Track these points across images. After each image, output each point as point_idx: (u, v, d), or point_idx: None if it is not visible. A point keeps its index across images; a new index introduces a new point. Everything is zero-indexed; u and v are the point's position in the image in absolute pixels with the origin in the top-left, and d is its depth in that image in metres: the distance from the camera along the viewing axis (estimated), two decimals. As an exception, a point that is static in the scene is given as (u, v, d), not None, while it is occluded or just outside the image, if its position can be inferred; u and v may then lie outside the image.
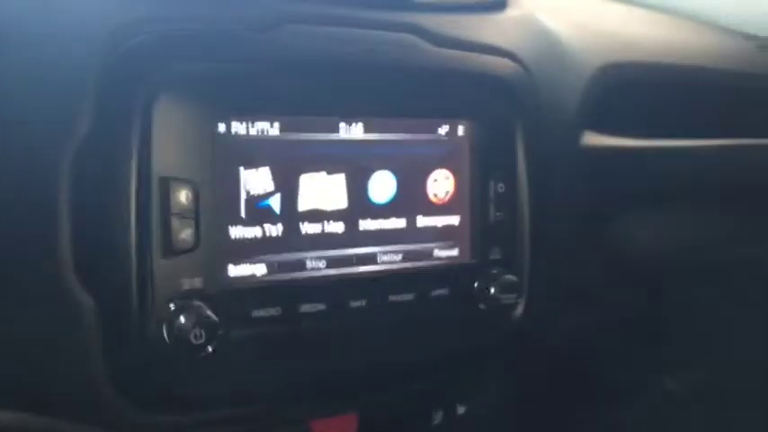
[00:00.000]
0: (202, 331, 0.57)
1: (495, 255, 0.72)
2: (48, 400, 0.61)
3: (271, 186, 0.61)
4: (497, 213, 0.72)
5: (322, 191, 0.64)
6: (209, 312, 0.58)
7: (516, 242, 0.73)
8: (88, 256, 0.57)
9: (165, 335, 0.57)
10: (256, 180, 0.61)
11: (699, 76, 0.98)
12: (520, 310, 0.73)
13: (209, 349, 0.58)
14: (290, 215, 0.62)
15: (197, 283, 0.58)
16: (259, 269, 0.62)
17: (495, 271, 0.71)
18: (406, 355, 0.70)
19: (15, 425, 0.62)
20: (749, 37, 1.14)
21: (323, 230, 0.64)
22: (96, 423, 0.62)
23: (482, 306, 0.71)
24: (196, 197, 0.58)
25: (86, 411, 0.61)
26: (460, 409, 0.79)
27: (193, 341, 0.57)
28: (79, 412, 0.62)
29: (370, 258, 0.66)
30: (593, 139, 0.84)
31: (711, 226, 1.00)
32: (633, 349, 1.07)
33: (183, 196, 0.57)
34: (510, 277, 0.71)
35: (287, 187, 0.62)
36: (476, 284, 0.71)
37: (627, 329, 1.01)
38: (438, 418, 0.77)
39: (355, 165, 0.65)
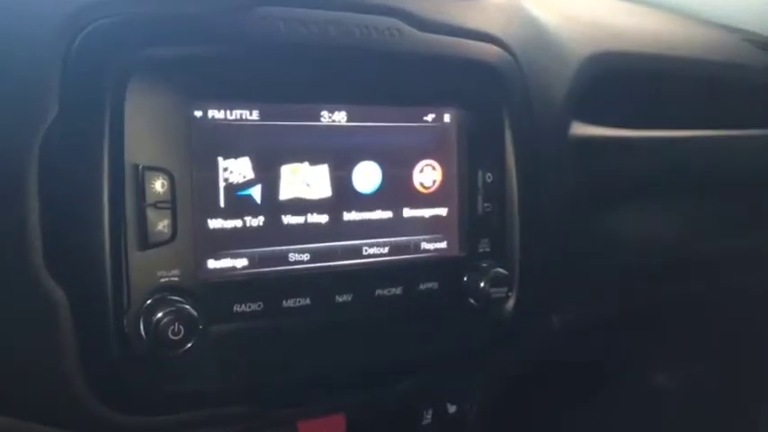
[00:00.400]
0: (181, 327, 0.54)
1: (485, 247, 0.70)
2: (21, 402, 0.58)
3: (251, 175, 0.59)
4: (486, 204, 0.70)
5: (305, 181, 0.61)
6: (187, 307, 0.55)
7: (506, 234, 0.71)
8: (60, 250, 0.54)
9: (143, 331, 0.55)
10: (236, 168, 0.58)
11: (685, 67, 0.97)
12: (510, 304, 0.71)
13: (188, 345, 0.55)
14: (272, 206, 0.60)
15: (174, 276, 0.56)
16: (239, 262, 0.59)
17: (484, 264, 0.69)
18: (395, 352, 0.67)
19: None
20: (734, 30, 1.14)
21: (306, 222, 0.62)
22: (73, 425, 0.59)
23: (472, 300, 0.69)
24: (172, 186, 0.55)
25: (61, 413, 0.58)
26: (451, 409, 0.76)
27: (171, 337, 0.54)
28: (54, 414, 0.59)
29: (356, 251, 0.64)
30: (581, 129, 0.82)
31: (700, 218, 0.99)
32: (626, 345, 1.05)
33: (159, 185, 0.55)
34: (500, 270, 0.69)
35: (268, 176, 0.60)
36: (465, 278, 0.69)
37: (620, 325, 0.99)
38: (428, 417, 0.75)
39: (339, 154, 0.63)
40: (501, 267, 0.69)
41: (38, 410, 0.59)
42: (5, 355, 0.56)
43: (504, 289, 0.68)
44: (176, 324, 0.54)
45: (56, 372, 0.56)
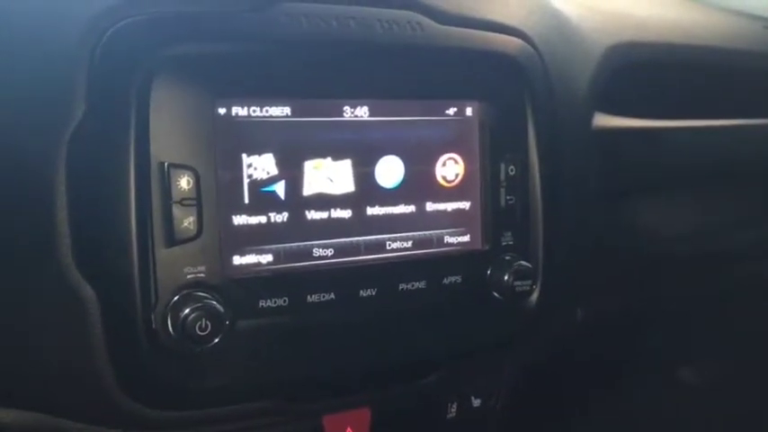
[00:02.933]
0: (208, 322, 0.55)
1: (508, 240, 0.70)
2: (52, 398, 0.59)
3: (275, 171, 0.59)
4: (509, 197, 0.69)
5: (328, 176, 0.62)
6: (214, 303, 0.55)
7: (529, 227, 0.71)
8: (88, 247, 0.55)
9: (170, 327, 0.55)
10: (259, 165, 0.59)
11: (708, 56, 0.96)
12: (535, 297, 0.70)
13: (215, 341, 0.55)
14: (296, 201, 0.60)
15: (201, 272, 0.56)
16: (264, 258, 0.59)
17: (508, 257, 0.69)
18: (419, 346, 0.67)
19: (19, 424, 0.60)
20: (756, 18, 1.13)
21: (329, 217, 0.62)
22: (102, 420, 0.60)
23: (496, 294, 0.68)
24: (197, 183, 0.56)
25: (91, 408, 0.59)
26: (475, 402, 0.76)
27: (199, 333, 0.55)
28: (84, 409, 0.60)
29: (379, 246, 0.64)
30: (604, 120, 0.82)
31: (725, 208, 0.98)
32: (649, 339, 1.05)
33: (185, 182, 0.55)
34: (524, 264, 0.68)
35: (291, 173, 0.60)
36: (489, 272, 0.69)
37: (643, 318, 0.98)
38: (452, 411, 0.75)
39: (361, 149, 0.63)
40: (524, 260, 0.69)
41: (67, 406, 0.60)
42: (36, 351, 0.57)
43: (528, 282, 0.68)
44: (203, 320, 0.55)
45: (85, 367, 0.57)
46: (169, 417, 0.60)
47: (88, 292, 0.55)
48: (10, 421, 0.60)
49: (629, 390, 1.07)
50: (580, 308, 0.84)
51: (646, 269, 0.89)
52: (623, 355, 1.03)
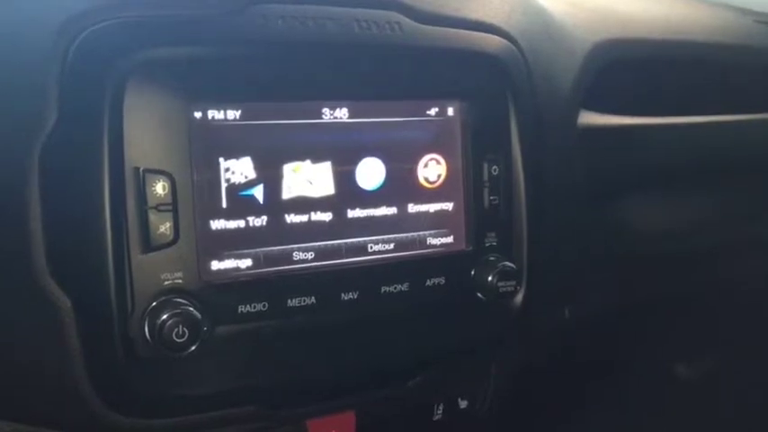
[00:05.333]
0: (185, 329, 0.54)
1: (492, 241, 0.69)
2: (29, 408, 0.59)
3: (253, 175, 0.59)
4: (492, 198, 0.69)
5: (307, 179, 0.61)
6: (191, 309, 0.55)
7: (513, 227, 0.70)
8: (63, 255, 0.54)
9: (147, 334, 0.55)
10: (237, 169, 0.58)
11: (696, 52, 0.95)
12: (519, 298, 0.70)
13: (193, 348, 0.55)
14: (275, 205, 0.60)
15: (178, 278, 0.56)
16: (243, 262, 0.59)
17: (492, 258, 0.68)
18: (403, 349, 0.67)
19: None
20: (746, 12, 1.12)
21: (309, 220, 0.61)
22: (78, 429, 0.60)
23: (480, 295, 0.68)
24: (173, 188, 0.55)
25: (67, 417, 0.58)
26: (462, 404, 0.76)
27: (176, 340, 0.54)
28: (60, 418, 0.59)
29: (361, 248, 0.64)
30: (589, 118, 0.81)
31: (713, 205, 0.97)
32: (640, 336, 1.04)
33: (160, 188, 0.55)
34: (508, 264, 0.68)
35: (270, 176, 0.59)
36: (473, 272, 0.68)
37: (632, 316, 0.98)
38: (439, 413, 0.74)
39: (341, 151, 0.62)
40: (509, 261, 0.68)
41: (44, 415, 0.59)
42: (11, 359, 0.56)
43: (513, 282, 0.67)
44: (180, 327, 0.54)
45: (62, 376, 0.56)
46: (147, 425, 0.59)
47: (63, 300, 0.54)
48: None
49: (620, 390, 1.06)
50: (567, 307, 0.84)
51: (633, 268, 0.88)
52: (613, 356, 1.02)
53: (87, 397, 0.56)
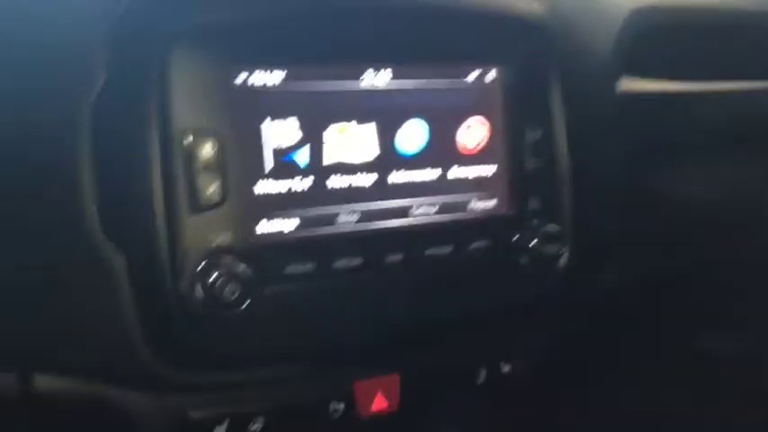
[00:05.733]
0: (236, 287, 0.55)
1: (535, 205, 0.69)
2: (82, 362, 0.60)
3: (296, 139, 0.59)
4: (535, 161, 0.69)
5: (350, 142, 0.62)
6: (242, 268, 0.56)
7: (556, 191, 0.70)
8: (115, 215, 0.56)
9: (198, 292, 0.56)
10: (281, 132, 0.59)
11: (737, 17, 0.94)
12: (563, 261, 0.70)
13: (244, 306, 0.56)
14: (318, 167, 0.60)
15: (227, 238, 0.57)
16: (289, 224, 0.60)
17: (535, 222, 0.68)
18: (447, 311, 0.67)
19: (52, 389, 0.61)
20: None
21: (353, 183, 0.62)
22: (132, 383, 0.61)
23: (523, 259, 0.68)
24: (221, 150, 0.56)
25: (122, 372, 0.60)
26: (505, 368, 0.76)
27: (227, 298, 0.55)
28: (115, 373, 0.61)
29: (403, 211, 0.64)
30: (630, 84, 0.80)
31: (757, 174, 0.96)
32: (679, 307, 1.03)
33: (208, 150, 0.56)
34: (552, 227, 0.68)
35: (314, 139, 0.60)
36: (516, 236, 0.68)
37: (673, 285, 0.97)
38: (482, 376, 0.75)
39: (384, 114, 0.63)
40: (552, 224, 0.68)
41: (99, 370, 0.61)
42: (67, 316, 0.58)
43: (557, 245, 0.68)
44: (231, 285, 0.55)
45: (116, 333, 0.58)
46: (199, 380, 0.61)
47: (117, 258, 0.56)
48: (43, 386, 0.62)
49: (656, 358, 1.06)
50: (610, 273, 0.83)
51: (676, 233, 0.88)
52: (656, 324, 1.01)
53: (140, 352, 0.58)
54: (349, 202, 0.62)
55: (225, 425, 0.64)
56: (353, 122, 0.61)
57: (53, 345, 0.59)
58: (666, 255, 0.88)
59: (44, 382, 0.61)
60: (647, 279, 0.88)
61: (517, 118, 0.68)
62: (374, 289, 0.63)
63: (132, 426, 0.63)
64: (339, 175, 0.61)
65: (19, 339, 0.60)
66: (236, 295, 0.55)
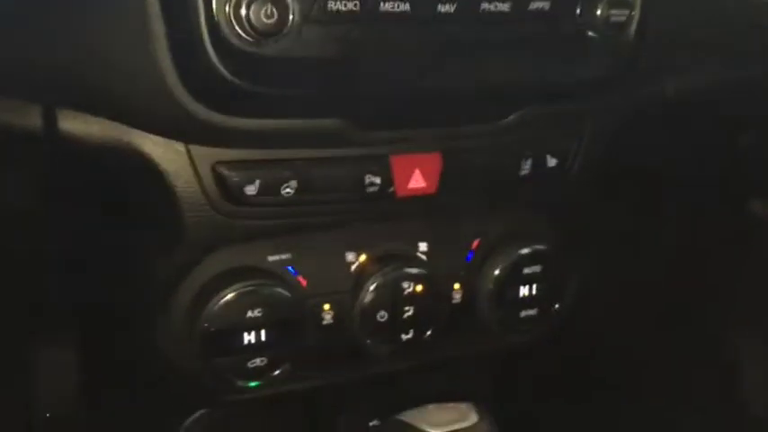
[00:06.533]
0: (274, 9, 0.50)
1: None
2: (110, 101, 0.57)
3: None
4: None
5: None
6: None
7: None
8: None
9: (233, 17, 0.51)
10: None
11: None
12: (632, 30, 0.63)
13: (282, 34, 0.51)
14: None
15: None
16: None
17: None
18: (498, 80, 0.62)
19: (76, 130, 0.58)
20: None
21: None
22: (163, 129, 0.58)
23: (589, 30, 0.62)
24: None
25: (152, 113, 0.57)
26: (551, 162, 0.71)
27: (264, 21, 0.50)
28: (144, 115, 0.57)
29: None
30: None
31: None
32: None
33: None
34: None
35: None
36: (580, 6, 0.62)
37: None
38: (526, 168, 0.70)
39: None
40: None
41: (132, 110, 0.58)
42: (93, 46, 0.54)
43: (625, 11, 0.61)
44: (269, 6, 0.50)
45: (145, 66, 0.54)
46: (233, 123, 0.57)
47: None
48: (77, 130, 0.58)
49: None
50: (671, 83, 0.77)
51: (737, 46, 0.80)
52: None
53: (171, 88, 0.54)
54: None
55: (256, 184, 0.61)
56: None
57: (79, 77, 0.56)
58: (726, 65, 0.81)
59: (69, 121, 0.58)
60: (707, 93, 0.81)
61: None
62: (421, 41, 0.57)
63: (160, 179, 0.60)
64: None
65: (43, 70, 0.56)
66: (274, 19, 0.50)
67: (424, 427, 0.68)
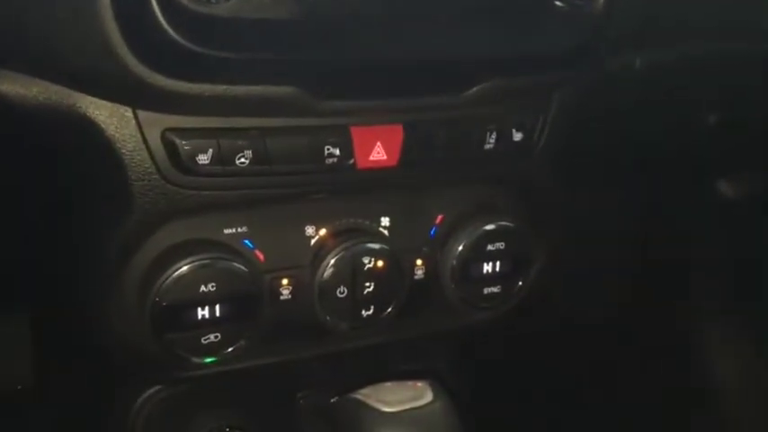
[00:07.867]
0: None
1: None
2: (50, 59, 0.54)
3: None
4: None
5: None
6: None
7: None
8: None
9: None
10: None
11: None
12: (600, 2, 0.61)
13: None
14: None
15: None
16: None
17: None
18: (464, 50, 0.60)
19: (24, 95, 0.55)
20: None
21: None
22: (111, 89, 0.55)
23: (558, 2, 0.60)
24: None
25: (99, 73, 0.54)
26: (516, 136, 0.69)
27: None
28: (91, 75, 0.54)
29: None
30: None
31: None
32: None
33: None
34: None
35: None
36: None
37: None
38: (491, 141, 0.68)
39: None
40: None
41: (75, 72, 0.55)
42: (38, 11, 0.51)
43: None
44: None
45: (91, 27, 0.51)
46: (181, 88, 0.54)
47: None
48: (15, 93, 0.55)
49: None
50: (639, 56, 0.76)
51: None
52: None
53: (116, 49, 0.51)
54: None
55: (209, 153, 0.59)
56: None
57: (19, 37, 0.53)
58: (698, 39, 0.80)
59: (7, 83, 0.55)
60: (677, 65, 0.80)
61: None
62: (381, 5, 0.55)
63: (106, 145, 0.58)
64: None
65: None
66: None
67: (377, 405, 0.67)
